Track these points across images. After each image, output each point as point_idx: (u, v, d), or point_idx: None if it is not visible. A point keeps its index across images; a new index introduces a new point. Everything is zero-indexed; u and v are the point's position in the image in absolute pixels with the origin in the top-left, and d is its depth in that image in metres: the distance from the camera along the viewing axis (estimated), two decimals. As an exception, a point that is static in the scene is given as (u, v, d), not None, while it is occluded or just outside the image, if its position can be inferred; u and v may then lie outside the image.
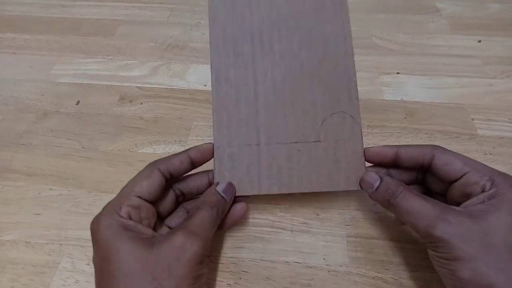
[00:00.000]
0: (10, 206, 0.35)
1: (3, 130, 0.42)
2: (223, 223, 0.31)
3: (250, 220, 0.35)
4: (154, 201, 0.29)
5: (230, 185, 0.30)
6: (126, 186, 0.28)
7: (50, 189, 0.37)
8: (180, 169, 0.30)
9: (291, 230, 0.34)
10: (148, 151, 0.40)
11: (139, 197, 0.27)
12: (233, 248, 0.33)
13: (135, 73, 0.50)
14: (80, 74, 0.49)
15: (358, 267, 0.31)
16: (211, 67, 0.32)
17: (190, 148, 0.31)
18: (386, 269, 0.31)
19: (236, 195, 0.31)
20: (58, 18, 0.59)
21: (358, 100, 0.32)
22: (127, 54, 0.53)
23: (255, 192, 0.31)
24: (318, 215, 0.35)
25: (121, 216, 0.26)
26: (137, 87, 0.48)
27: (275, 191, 0.31)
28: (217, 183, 0.30)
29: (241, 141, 0.31)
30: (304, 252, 0.32)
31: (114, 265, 0.24)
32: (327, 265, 0.31)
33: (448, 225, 0.24)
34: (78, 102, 0.46)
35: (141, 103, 0.45)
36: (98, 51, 0.53)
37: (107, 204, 0.27)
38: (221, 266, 0.31)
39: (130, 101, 0.46)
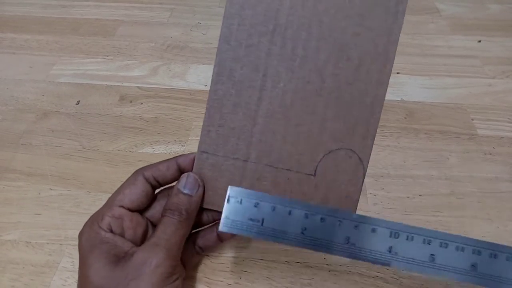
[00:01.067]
0: (10, 206, 0.35)
1: (3, 130, 0.42)
2: (223, 237, 0.29)
3: (250, 220, 0.35)
4: (142, 209, 0.28)
5: (189, 177, 0.27)
6: (112, 194, 0.28)
7: (51, 189, 0.37)
8: (166, 175, 0.28)
9: (291, 230, 0.34)
10: (148, 151, 0.40)
11: (121, 206, 0.26)
12: (233, 248, 0.33)
13: (135, 73, 0.50)
14: (80, 74, 0.50)
15: (358, 267, 0.31)
16: (216, 55, 0.27)
17: (180, 155, 0.29)
18: (386, 269, 0.31)
19: (205, 207, 0.28)
20: (58, 18, 0.59)
21: (373, 141, 0.27)
22: (127, 55, 0.53)
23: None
24: (318, 215, 0.35)
25: (101, 228, 0.26)
26: (137, 87, 0.48)
27: None
28: (178, 181, 0.27)
29: (228, 152, 0.27)
30: (305, 251, 0.32)
31: (84, 280, 0.24)
32: (327, 264, 0.31)
33: None
34: (78, 102, 0.46)
35: (141, 103, 0.45)
36: (98, 51, 0.53)
37: (93, 214, 0.27)
38: (221, 266, 0.31)
39: (130, 101, 0.46)
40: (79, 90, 0.47)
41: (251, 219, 0.24)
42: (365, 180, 0.37)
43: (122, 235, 0.26)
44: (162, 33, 0.57)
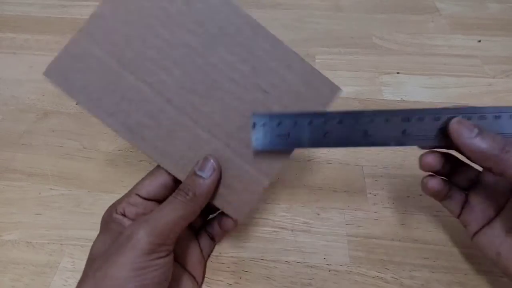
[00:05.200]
0: (11, 206, 0.35)
1: (4, 130, 0.42)
2: (215, 236, 0.31)
3: (251, 219, 0.35)
4: (160, 199, 0.28)
5: (206, 160, 0.27)
6: (138, 181, 0.29)
7: (51, 189, 0.37)
8: None
9: (292, 230, 0.34)
10: (148, 151, 0.40)
11: (137, 194, 0.28)
12: (233, 248, 0.33)
13: (136, 73, 0.50)
14: (81, 74, 0.49)
15: (358, 267, 0.31)
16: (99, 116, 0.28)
17: None
18: (386, 269, 0.31)
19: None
20: (58, 18, 0.59)
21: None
22: (127, 54, 0.53)
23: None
24: (318, 214, 0.35)
25: (116, 210, 0.27)
26: (138, 87, 0.48)
27: None
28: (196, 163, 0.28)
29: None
30: (305, 251, 0.32)
31: (91, 252, 0.26)
32: (327, 264, 0.31)
33: None
34: (78, 102, 0.46)
35: (142, 103, 0.45)
36: (98, 51, 0.53)
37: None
38: (221, 266, 0.32)
39: (131, 101, 0.46)
40: (79, 90, 0.47)
41: (278, 135, 0.27)
42: (365, 180, 0.37)
43: (133, 219, 0.27)
44: (162, 32, 0.56)
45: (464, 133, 0.25)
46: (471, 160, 0.26)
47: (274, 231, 0.34)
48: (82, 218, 0.35)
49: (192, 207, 0.26)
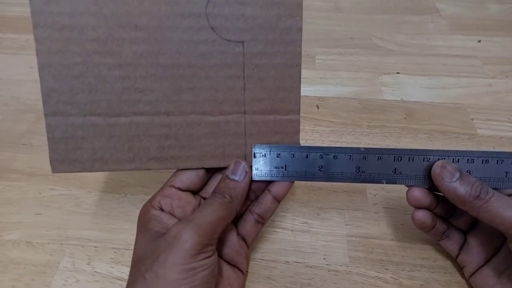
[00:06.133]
0: (11, 206, 0.35)
1: (4, 131, 0.42)
2: (278, 196, 0.29)
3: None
4: (194, 189, 0.29)
5: (237, 163, 0.28)
6: None
7: (51, 189, 0.37)
8: None
9: (292, 230, 0.34)
10: (148, 151, 0.40)
11: (172, 186, 0.28)
12: (233, 248, 0.33)
13: (136, 74, 0.50)
14: (81, 74, 0.50)
15: (358, 267, 0.31)
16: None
17: None
18: (385, 269, 0.31)
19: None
20: (59, 18, 0.59)
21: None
22: (127, 55, 0.53)
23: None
24: (318, 214, 0.35)
25: (152, 206, 0.27)
26: (138, 87, 0.48)
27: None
28: (228, 167, 0.28)
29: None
30: (304, 251, 0.32)
31: (133, 254, 0.26)
32: (327, 264, 0.32)
33: None
34: (78, 103, 0.46)
35: (142, 104, 0.46)
36: (98, 51, 0.53)
37: None
38: (221, 266, 0.32)
39: (131, 102, 0.46)
40: (80, 90, 0.47)
41: (276, 167, 0.28)
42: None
43: (171, 212, 0.27)
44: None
45: (445, 177, 0.26)
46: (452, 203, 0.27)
47: (274, 231, 0.34)
48: (82, 218, 0.35)
49: (230, 208, 0.26)
